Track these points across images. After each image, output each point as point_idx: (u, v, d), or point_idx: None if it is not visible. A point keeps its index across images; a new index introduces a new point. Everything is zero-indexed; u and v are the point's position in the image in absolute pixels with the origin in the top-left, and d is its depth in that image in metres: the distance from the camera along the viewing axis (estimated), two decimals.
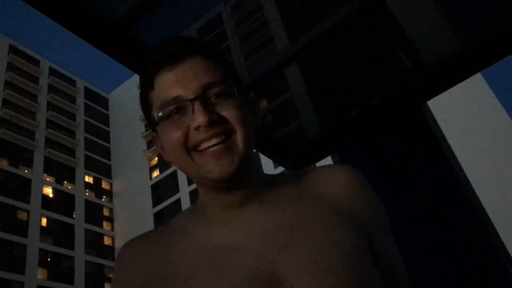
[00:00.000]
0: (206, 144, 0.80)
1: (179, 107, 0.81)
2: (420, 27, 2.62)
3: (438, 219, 2.28)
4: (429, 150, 2.45)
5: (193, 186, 52.31)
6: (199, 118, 0.78)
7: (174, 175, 56.64)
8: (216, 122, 0.79)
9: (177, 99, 0.81)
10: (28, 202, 50.05)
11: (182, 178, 55.01)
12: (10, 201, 48.36)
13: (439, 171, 2.40)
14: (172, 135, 0.81)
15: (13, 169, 50.93)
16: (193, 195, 51.77)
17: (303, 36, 2.41)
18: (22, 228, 47.84)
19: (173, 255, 0.85)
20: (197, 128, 0.79)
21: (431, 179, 2.39)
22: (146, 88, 0.86)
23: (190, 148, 0.81)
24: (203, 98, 0.80)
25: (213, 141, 0.79)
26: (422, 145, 2.48)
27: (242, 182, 0.84)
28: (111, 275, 54.22)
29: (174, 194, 55.18)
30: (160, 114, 0.82)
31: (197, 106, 0.79)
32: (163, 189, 57.15)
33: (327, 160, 2.68)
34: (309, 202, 0.86)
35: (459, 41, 2.78)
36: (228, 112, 0.81)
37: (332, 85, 3.06)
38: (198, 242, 0.84)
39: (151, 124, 0.87)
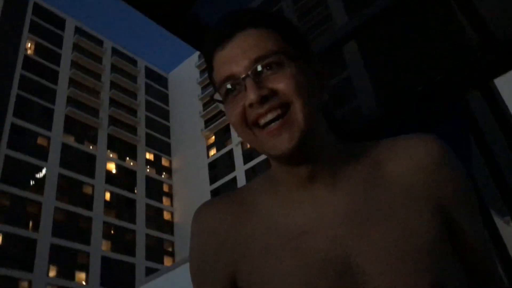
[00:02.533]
0: (263, 121, 0.77)
1: (233, 85, 0.79)
2: None
3: None
4: (499, 131, 2.29)
5: (249, 165, 52.99)
6: (250, 95, 0.75)
7: (230, 153, 57.48)
8: (268, 97, 0.76)
9: (230, 78, 0.78)
10: (93, 177, 52.68)
11: (238, 157, 55.73)
12: (77, 176, 51.10)
13: None
14: (232, 113, 0.80)
15: (79, 146, 53.64)
16: (249, 173, 52.40)
17: (364, 11, 2.34)
18: (87, 202, 50.54)
19: (246, 229, 0.86)
20: (250, 105, 0.76)
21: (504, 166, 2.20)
22: (209, 69, 0.85)
23: (250, 125, 0.79)
24: (254, 73, 0.76)
25: (269, 117, 0.76)
26: (491, 125, 2.34)
27: (309, 155, 0.81)
28: (170, 249, 56.61)
29: (230, 172, 56.09)
30: (219, 94, 0.81)
31: (248, 83, 0.76)
32: (219, 167, 58.21)
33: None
34: (384, 183, 0.82)
35: None
36: (280, 84, 0.76)
37: (392, 62, 2.97)
38: (272, 220, 0.85)
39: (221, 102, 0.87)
